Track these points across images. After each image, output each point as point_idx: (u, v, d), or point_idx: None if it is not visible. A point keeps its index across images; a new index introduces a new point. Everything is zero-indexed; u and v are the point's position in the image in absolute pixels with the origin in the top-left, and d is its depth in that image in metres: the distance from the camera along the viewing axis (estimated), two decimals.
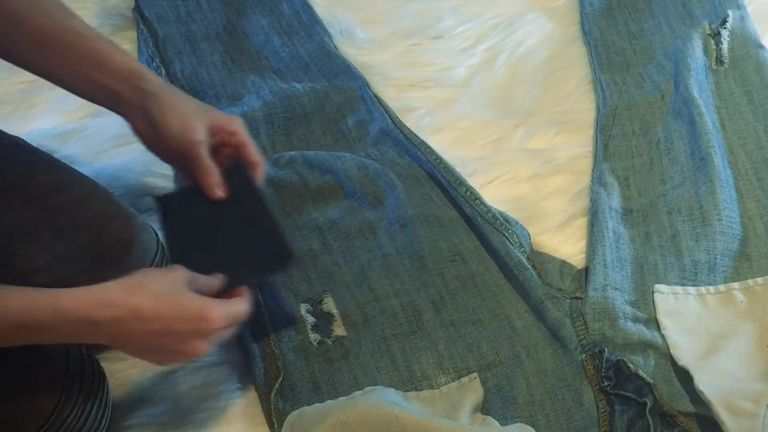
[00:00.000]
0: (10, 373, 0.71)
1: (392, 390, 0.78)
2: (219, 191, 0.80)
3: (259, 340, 0.86)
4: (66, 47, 0.77)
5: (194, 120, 0.79)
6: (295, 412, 0.76)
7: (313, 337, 0.86)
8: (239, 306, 0.73)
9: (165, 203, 0.85)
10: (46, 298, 0.64)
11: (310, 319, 0.87)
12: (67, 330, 0.65)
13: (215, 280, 0.74)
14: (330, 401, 0.79)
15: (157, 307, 0.66)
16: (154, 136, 0.80)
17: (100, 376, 0.78)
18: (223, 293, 0.74)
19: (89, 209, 0.82)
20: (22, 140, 0.86)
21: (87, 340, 0.67)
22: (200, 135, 0.79)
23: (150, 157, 1.04)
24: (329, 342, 0.86)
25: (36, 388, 0.72)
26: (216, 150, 0.82)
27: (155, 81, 0.79)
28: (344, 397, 0.80)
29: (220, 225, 0.81)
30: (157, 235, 0.90)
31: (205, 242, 0.80)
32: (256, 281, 0.81)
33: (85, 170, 0.89)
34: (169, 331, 0.67)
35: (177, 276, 0.70)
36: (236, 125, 0.82)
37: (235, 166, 0.82)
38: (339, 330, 0.87)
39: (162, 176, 1.03)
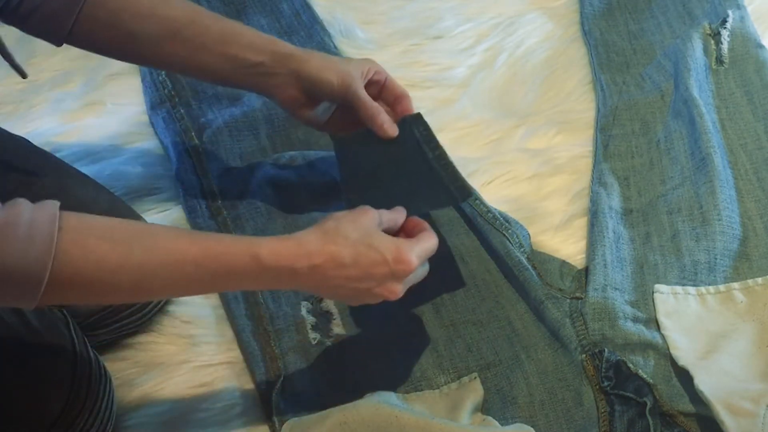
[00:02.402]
0: (18, 375, 0.71)
1: (392, 393, 0.78)
2: (389, 128, 0.81)
3: (259, 340, 0.86)
4: (199, 32, 0.77)
5: (346, 69, 0.80)
6: (294, 419, 0.76)
7: (313, 336, 0.86)
8: (429, 242, 0.72)
9: (340, 144, 0.86)
10: (246, 247, 0.65)
11: (310, 319, 0.87)
12: (266, 278, 0.66)
13: (400, 214, 0.74)
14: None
15: (354, 254, 0.67)
16: (306, 99, 0.81)
17: (106, 378, 0.78)
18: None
19: (93, 212, 0.82)
20: (26, 140, 0.86)
21: (286, 287, 0.70)
22: (357, 79, 0.81)
23: (150, 157, 1.04)
24: (328, 342, 0.86)
25: (44, 389, 0.72)
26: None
27: (291, 46, 0.80)
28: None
29: (393, 163, 0.82)
30: None
31: (379, 180, 0.81)
32: (429, 210, 0.82)
33: (85, 170, 0.89)
34: (367, 275, 0.67)
35: (368, 218, 0.70)
36: (375, 65, 0.84)
37: (409, 117, 0.84)
38: (338, 329, 0.87)
39: (162, 176, 1.03)
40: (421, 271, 0.73)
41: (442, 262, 0.83)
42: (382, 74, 0.85)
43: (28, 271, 0.56)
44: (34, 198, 0.66)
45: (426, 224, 0.75)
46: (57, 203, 0.58)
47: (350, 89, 0.80)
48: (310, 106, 0.83)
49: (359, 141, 0.85)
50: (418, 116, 0.84)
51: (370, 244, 0.68)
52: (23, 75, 0.73)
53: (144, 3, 0.75)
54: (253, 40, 0.79)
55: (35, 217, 0.57)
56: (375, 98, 0.84)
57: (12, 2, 0.69)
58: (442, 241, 0.86)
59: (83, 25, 0.74)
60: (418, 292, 0.74)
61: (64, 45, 0.78)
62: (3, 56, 0.72)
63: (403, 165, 0.83)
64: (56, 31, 0.74)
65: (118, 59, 0.81)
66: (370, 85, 0.84)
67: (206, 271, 0.63)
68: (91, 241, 0.59)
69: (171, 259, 0.62)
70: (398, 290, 0.70)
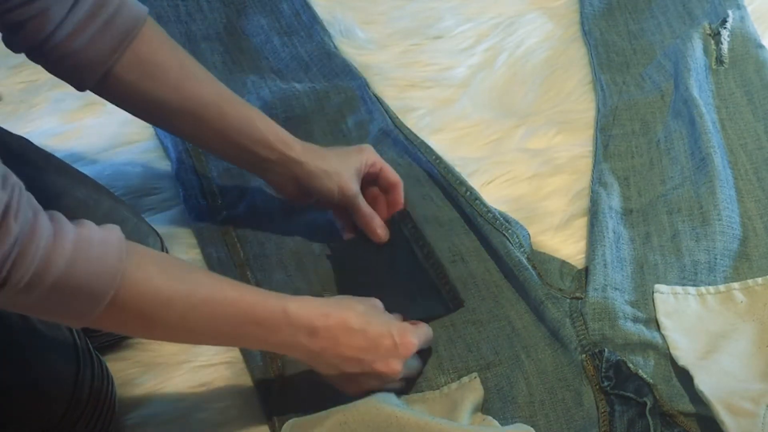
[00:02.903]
0: (22, 376, 0.71)
1: (392, 395, 0.78)
2: (383, 233, 0.89)
3: None
4: (218, 117, 0.81)
5: (347, 177, 0.85)
6: (294, 419, 0.76)
7: None
8: (428, 330, 0.80)
9: (335, 252, 0.92)
10: (276, 300, 0.69)
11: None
12: (286, 333, 0.70)
13: (398, 317, 0.80)
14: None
15: (364, 323, 0.72)
16: (301, 195, 0.87)
17: (108, 378, 0.78)
18: None
19: (95, 213, 0.82)
20: (27, 140, 0.86)
21: (298, 350, 0.72)
22: (355, 188, 0.86)
23: (150, 157, 1.05)
24: None
25: (47, 390, 0.72)
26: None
27: (299, 147, 0.84)
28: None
29: (388, 267, 0.89)
30: (161, 239, 0.90)
31: (376, 288, 0.86)
32: (424, 317, 0.86)
33: (85, 170, 0.89)
34: (373, 346, 0.72)
35: (376, 302, 0.78)
36: (372, 156, 0.89)
37: (397, 215, 0.91)
38: None
39: (162, 176, 1.03)
40: (417, 364, 0.80)
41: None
42: (377, 165, 0.90)
43: (96, 286, 0.59)
44: (38, 196, 0.66)
45: (422, 323, 0.81)
46: (118, 227, 0.62)
47: (349, 199, 0.86)
48: (306, 199, 0.89)
49: (353, 248, 0.91)
50: (406, 214, 0.91)
51: (378, 319, 0.74)
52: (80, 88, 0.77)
53: (172, 76, 0.77)
54: (264, 135, 0.83)
55: (106, 237, 0.60)
56: (370, 186, 0.91)
57: (44, 46, 0.71)
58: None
59: (109, 83, 0.76)
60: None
61: None
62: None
63: (397, 270, 0.89)
64: (81, 81, 0.76)
65: (137, 117, 0.84)
66: (366, 176, 0.89)
67: (240, 315, 0.67)
68: (152, 268, 0.63)
69: (214, 297, 0.66)
70: (398, 369, 0.74)
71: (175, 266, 0.66)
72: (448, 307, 0.87)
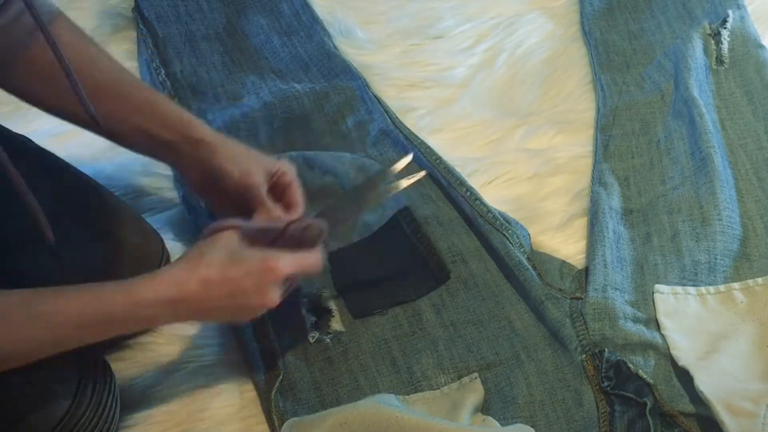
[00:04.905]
0: (24, 376, 0.71)
1: (392, 396, 0.78)
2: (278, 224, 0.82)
3: (259, 340, 0.86)
4: (119, 99, 0.78)
5: (251, 165, 0.81)
6: (294, 418, 0.76)
7: (312, 334, 0.86)
8: (309, 256, 0.74)
9: (332, 257, 0.90)
10: (121, 290, 0.67)
11: (310, 318, 0.87)
12: (143, 317, 0.68)
13: (267, 233, 0.75)
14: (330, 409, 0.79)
15: (222, 273, 0.69)
16: (207, 184, 0.82)
17: (111, 378, 0.78)
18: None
19: (93, 212, 0.82)
20: (29, 140, 0.86)
21: (163, 323, 0.72)
22: (259, 177, 0.81)
23: (149, 158, 1.04)
24: (327, 340, 0.86)
25: (50, 390, 0.72)
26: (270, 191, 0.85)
27: (206, 130, 0.81)
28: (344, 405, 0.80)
29: (380, 257, 0.90)
30: (161, 239, 0.90)
31: (368, 276, 0.88)
32: (415, 297, 0.88)
33: (85, 170, 0.89)
34: (239, 290, 0.69)
35: (228, 238, 0.72)
36: (286, 166, 0.84)
37: (399, 214, 0.92)
38: (337, 325, 0.87)
39: (162, 176, 1.03)
40: (310, 262, 0.74)
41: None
42: (287, 177, 0.84)
43: None
44: (39, 196, 0.66)
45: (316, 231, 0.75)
46: None
47: (247, 185, 0.81)
48: (209, 191, 0.83)
49: (350, 250, 0.92)
50: (408, 211, 0.92)
51: (234, 260, 0.69)
52: (96, 123, 0.74)
53: (74, 61, 0.74)
54: (169, 118, 0.79)
55: None
56: (279, 198, 0.84)
57: None
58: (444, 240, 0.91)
59: (9, 74, 0.74)
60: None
61: None
62: (81, 104, 0.72)
63: (389, 255, 0.91)
64: None
65: (42, 109, 0.81)
66: (275, 186, 0.84)
67: (89, 323, 0.65)
68: None
69: (52, 323, 0.64)
70: (274, 297, 0.71)
71: (2, 308, 0.63)
72: (436, 278, 0.88)
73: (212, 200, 0.85)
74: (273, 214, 0.81)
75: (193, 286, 0.68)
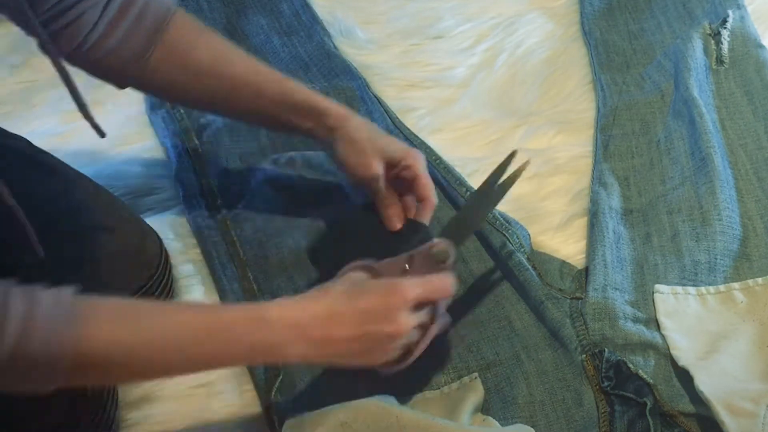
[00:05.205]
0: None
1: (392, 398, 0.78)
2: (398, 222, 0.85)
3: None
4: (258, 94, 0.81)
5: (370, 156, 0.83)
6: (295, 417, 0.76)
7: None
8: (436, 278, 0.70)
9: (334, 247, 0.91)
10: (251, 310, 0.64)
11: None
12: (268, 341, 0.64)
13: (397, 264, 0.73)
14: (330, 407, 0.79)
15: (347, 301, 0.66)
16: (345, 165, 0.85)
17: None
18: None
19: (93, 215, 0.82)
20: (27, 141, 0.86)
21: (291, 354, 0.65)
22: (375, 170, 0.83)
23: (150, 157, 1.04)
24: None
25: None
26: (395, 179, 0.86)
27: (337, 113, 0.83)
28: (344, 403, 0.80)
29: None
30: (160, 239, 0.90)
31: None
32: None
33: (84, 170, 0.89)
34: (367, 317, 0.66)
35: (355, 274, 0.71)
36: (412, 158, 0.84)
37: (414, 224, 0.87)
38: None
39: (162, 176, 1.03)
40: (439, 284, 0.71)
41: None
42: (413, 170, 0.84)
43: (51, 360, 0.56)
44: (35, 198, 0.66)
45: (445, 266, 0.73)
46: (72, 289, 0.59)
47: (365, 178, 0.83)
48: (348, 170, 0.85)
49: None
50: (425, 228, 0.87)
51: (359, 289, 0.67)
52: (102, 134, 0.76)
53: (205, 60, 0.79)
54: (304, 106, 0.82)
55: (56, 301, 0.57)
56: (403, 189, 0.86)
57: (80, 50, 0.72)
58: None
59: (146, 76, 0.78)
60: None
61: None
62: (83, 115, 0.74)
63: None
64: (121, 78, 0.78)
65: (179, 105, 0.86)
66: (397, 176, 0.85)
67: (216, 338, 0.62)
68: (106, 326, 0.59)
69: (179, 331, 0.61)
70: (405, 323, 0.67)
71: (132, 313, 0.61)
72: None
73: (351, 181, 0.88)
74: (389, 209, 0.84)
75: (319, 310, 0.65)
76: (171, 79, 0.79)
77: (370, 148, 0.83)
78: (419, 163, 0.84)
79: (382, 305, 0.66)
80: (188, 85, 0.79)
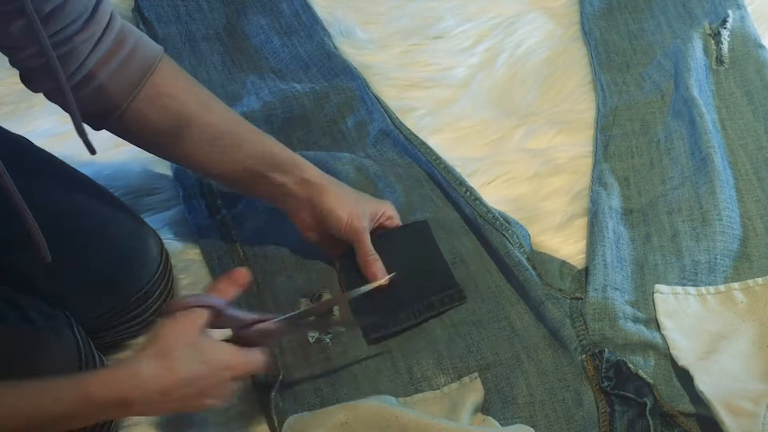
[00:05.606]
0: (26, 377, 0.71)
1: (392, 398, 0.78)
2: (381, 277, 0.85)
3: None
4: (238, 145, 0.82)
5: (359, 209, 0.85)
6: (295, 415, 0.76)
7: (312, 334, 0.86)
8: (257, 356, 0.72)
9: (342, 255, 0.90)
10: (71, 389, 0.63)
11: (310, 318, 0.87)
12: (93, 413, 0.65)
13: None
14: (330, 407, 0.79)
15: (186, 376, 0.66)
16: (315, 224, 0.87)
17: None
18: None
19: (93, 217, 0.82)
20: (27, 140, 0.86)
21: (114, 417, 0.70)
22: (365, 222, 0.86)
23: (149, 157, 1.05)
24: (327, 340, 0.86)
25: None
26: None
27: (316, 173, 0.85)
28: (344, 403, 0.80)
29: (397, 264, 0.88)
30: (160, 240, 0.90)
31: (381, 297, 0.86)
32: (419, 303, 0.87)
33: (84, 170, 0.89)
34: (199, 392, 0.67)
35: (193, 322, 0.68)
36: (390, 210, 0.90)
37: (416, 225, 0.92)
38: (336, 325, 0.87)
39: (162, 176, 1.03)
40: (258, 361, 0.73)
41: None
42: (394, 221, 0.90)
43: None
44: (35, 199, 0.66)
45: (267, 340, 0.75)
46: None
47: (356, 233, 0.85)
48: (318, 231, 0.87)
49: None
50: (426, 225, 0.92)
51: (200, 359, 0.67)
52: (92, 151, 0.74)
53: (188, 108, 0.78)
54: (283, 162, 0.83)
55: None
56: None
57: (71, 81, 0.71)
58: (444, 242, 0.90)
59: (127, 118, 0.77)
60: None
61: None
62: (77, 131, 0.73)
63: (407, 262, 0.88)
64: (102, 118, 0.77)
65: (154, 153, 0.85)
66: (378, 228, 0.89)
67: (44, 418, 0.62)
68: None
69: (7, 416, 0.61)
70: (230, 392, 0.70)
71: None
72: (460, 294, 0.87)
73: (319, 240, 0.89)
74: (372, 262, 0.85)
75: (152, 389, 0.65)
76: (152, 123, 0.77)
77: (356, 201, 0.86)
78: (396, 214, 0.90)
79: (215, 382, 0.68)
80: (171, 130, 0.78)
